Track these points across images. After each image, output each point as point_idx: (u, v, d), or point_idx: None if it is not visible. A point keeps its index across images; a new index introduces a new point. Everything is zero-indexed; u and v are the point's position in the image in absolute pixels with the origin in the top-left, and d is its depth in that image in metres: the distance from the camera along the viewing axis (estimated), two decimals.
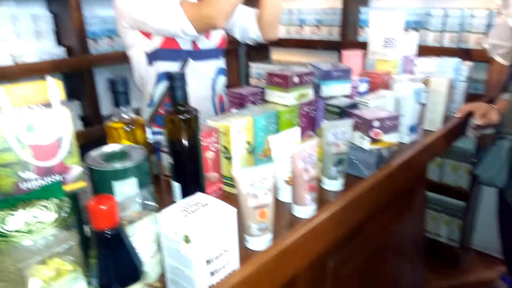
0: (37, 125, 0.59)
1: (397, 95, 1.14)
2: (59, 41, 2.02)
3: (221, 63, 1.45)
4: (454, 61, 1.41)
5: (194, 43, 1.32)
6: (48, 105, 0.60)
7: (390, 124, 0.97)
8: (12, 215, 0.54)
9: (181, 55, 1.30)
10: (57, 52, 1.91)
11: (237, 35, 1.48)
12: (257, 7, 1.42)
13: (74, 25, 1.89)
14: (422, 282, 1.69)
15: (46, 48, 1.91)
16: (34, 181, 0.59)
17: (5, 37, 1.82)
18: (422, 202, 1.57)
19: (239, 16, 1.43)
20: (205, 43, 1.35)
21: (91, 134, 1.90)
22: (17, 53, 1.78)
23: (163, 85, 1.33)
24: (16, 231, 0.55)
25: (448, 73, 1.41)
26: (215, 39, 1.38)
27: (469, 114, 1.41)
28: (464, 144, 2.14)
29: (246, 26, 1.44)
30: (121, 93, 0.78)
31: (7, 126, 0.57)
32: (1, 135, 0.56)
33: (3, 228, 0.54)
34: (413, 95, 1.18)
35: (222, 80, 1.46)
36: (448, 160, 2.13)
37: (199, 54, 1.34)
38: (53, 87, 0.60)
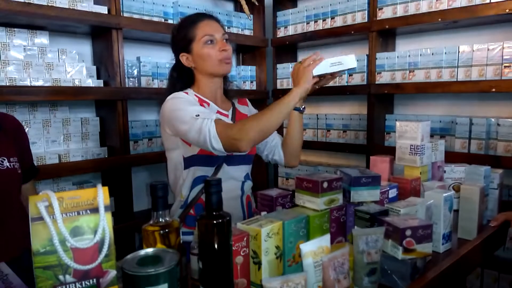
0: (82, 229, 0.63)
1: (428, 202, 1.14)
2: (103, 141, 2.18)
3: (249, 168, 1.53)
4: (484, 168, 1.42)
5: None
6: (93, 210, 0.65)
7: (423, 233, 0.95)
8: None
9: (216, 161, 1.38)
10: (99, 152, 2.06)
11: (263, 154, 1.61)
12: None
13: (118, 128, 2.07)
14: None
15: (90, 148, 2.06)
16: (71, 285, 0.61)
17: (55, 138, 1.99)
18: None
19: (269, 138, 1.55)
20: None
21: (123, 230, 1.93)
22: (64, 152, 1.93)
23: (198, 188, 1.39)
24: None
25: (479, 180, 1.40)
26: None
27: (506, 223, 1.37)
28: (506, 254, 2.02)
29: (273, 149, 1.58)
30: (160, 197, 0.82)
31: (54, 230, 0.61)
32: (49, 238, 0.60)
33: None
34: (444, 202, 1.18)
35: (250, 183, 1.53)
36: (488, 270, 1.99)
37: (232, 160, 1.42)
38: (101, 194, 0.65)
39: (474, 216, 1.28)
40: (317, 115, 2.71)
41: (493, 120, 1.93)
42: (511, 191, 1.91)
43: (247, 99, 1.64)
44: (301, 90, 1.28)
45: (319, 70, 1.31)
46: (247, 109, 1.60)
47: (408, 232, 0.95)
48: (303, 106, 1.46)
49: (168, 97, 1.36)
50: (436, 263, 1.10)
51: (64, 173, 1.90)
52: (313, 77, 1.30)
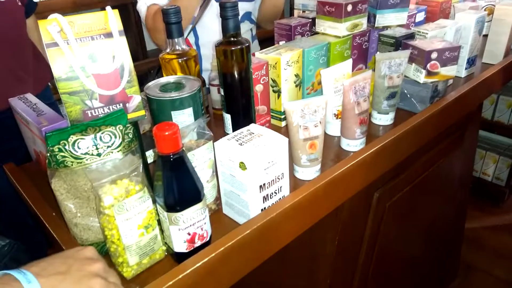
0: (99, 54, 0.61)
1: (457, 25, 1.06)
2: None
3: (248, 6, 1.37)
4: None
5: None
6: (107, 35, 0.62)
7: (450, 55, 0.92)
8: (83, 139, 0.59)
9: None
10: None
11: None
12: None
13: None
14: (464, 219, 1.69)
15: None
16: (99, 109, 0.63)
17: None
18: (473, 140, 1.52)
19: None
20: None
21: (137, 69, 1.93)
22: None
23: None
24: (87, 153, 0.59)
25: None
26: None
27: None
28: None
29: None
30: (173, 23, 0.78)
31: (72, 55, 0.59)
32: (68, 64, 0.59)
33: (75, 151, 0.59)
34: (476, 24, 1.10)
35: (248, 25, 1.40)
36: (503, 96, 2.01)
37: None
38: (112, 17, 0.61)
39: (504, 38, 1.20)
40: None
41: None
42: None
43: None
44: None
45: None
46: None
47: (434, 55, 0.91)
48: None
49: None
50: (456, 87, 1.09)
51: (67, 8, 1.81)
52: None
